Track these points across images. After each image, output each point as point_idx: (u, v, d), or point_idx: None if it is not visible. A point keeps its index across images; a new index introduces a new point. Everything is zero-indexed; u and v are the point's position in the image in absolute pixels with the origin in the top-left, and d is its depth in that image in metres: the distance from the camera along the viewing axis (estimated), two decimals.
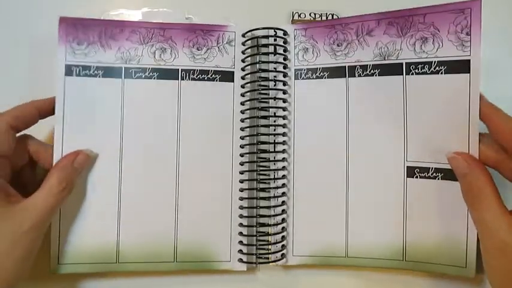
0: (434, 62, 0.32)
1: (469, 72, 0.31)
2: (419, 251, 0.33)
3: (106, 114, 0.34)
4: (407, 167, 0.33)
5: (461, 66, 0.31)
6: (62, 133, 0.34)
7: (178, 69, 0.35)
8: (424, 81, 0.32)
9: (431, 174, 0.33)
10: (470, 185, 0.29)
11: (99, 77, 0.34)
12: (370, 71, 0.34)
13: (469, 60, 0.31)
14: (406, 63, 0.33)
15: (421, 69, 0.32)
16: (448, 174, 0.32)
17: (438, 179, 0.33)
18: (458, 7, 0.31)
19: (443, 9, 0.31)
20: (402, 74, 0.33)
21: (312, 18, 0.38)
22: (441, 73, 0.31)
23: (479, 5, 0.30)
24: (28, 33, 0.38)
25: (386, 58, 0.33)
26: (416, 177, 0.33)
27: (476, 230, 0.30)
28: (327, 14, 0.38)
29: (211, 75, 0.36)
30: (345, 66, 0.35)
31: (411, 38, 0.33)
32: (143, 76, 0.35)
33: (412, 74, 0.33)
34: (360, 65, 0.34)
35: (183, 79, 0.35)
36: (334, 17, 0.38)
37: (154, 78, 0.35)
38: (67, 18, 0.35)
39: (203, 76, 0.35)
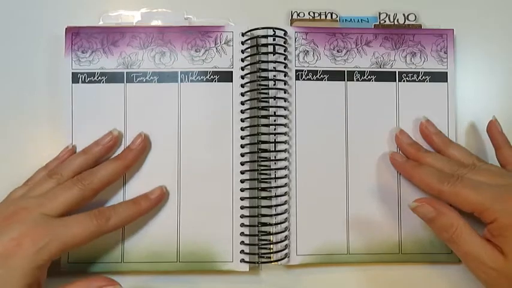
0: (421, 72, 0.42)
1: (446, 81, 0.42)
2: (413, 243, 0.40)
3: (110, 119, 0.40)
4: None
5: (441, 77, 0.42)
6: (71, 140, 0.40)
7: (177, 72, 0.40)
8: (413, 88, 0.42)
9: None
10: (443, 225, 0.35)
11: (103, 82, 0.40)
12: (367, 77, 0.41)
13: (446, 72, 0.42)
14: (398, 72, 0.42)
15: (410, 78, 0.42)
16: None
17: None
18: (438, 32, 0.42)
19: (428, 32, 0.42)
20: (395, 81, 0.41)
21: (311, 18, 0.43)
22: (426, 81, 0.42)
23: (452, 32, 0.42)
24: (27, 33, 0.42)
25: (382, 66, 0.41)
26: None
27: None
28: (325, 13, 0.43)
29: (209, 76, 0.40)
30: (344, 71, 0.41)
31: (403, 52, 0.42)
32: (144, 80, 0.40)
33: (404, 81, 0.42)
34: (358, 71, 0.41)
35: (183, 81, 0.40)
36: (333, 16, 0.43)
37: (154, 82, 0.40)
38: (72, 28, 0.40)
39: (202, 77, 0.40)
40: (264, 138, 0.40)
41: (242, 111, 0.40)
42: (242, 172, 0.40)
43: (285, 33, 0.41)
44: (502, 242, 0.34)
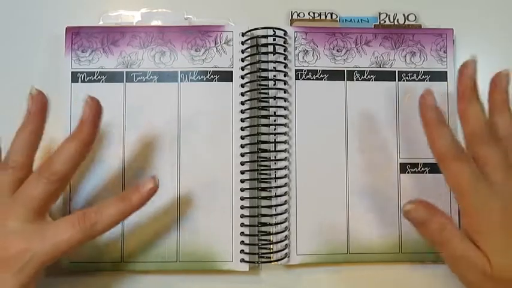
0: (421, 71, 0.42)
1: (446, 80, 0.42)
2: (413, 242, 0.40)
3: (109, 118, 0.39)
4: (400, 163, 0.41)
5: (441, 76, 0.42)
6: None
7: (177, 72, 0.41)
8: (412, 87, 0.42)
9: (420, 169, 0.41)
10: (436, 228, 0.34)
11: (103, 82, 0.40)
12: (367, 76, 0.42)
13: (446, 71, 0.42)
14: (398, 71, 0.42)
15: (410, 77, 0.42)
16: (434, 168, 0.41)
17: (426, 172, 0.41)
18: (438, 32, 0.43)
19: (427, 32, 0.43)
20: (395, 81, 0.42)
21: (311, 18, 0.43)
22: (426, 81, 0.42)
23: (452, 32, 0.43)
24: (27, 33, 0.42)
25: (381, 66, 0.42)
26: (408, 172, 0.41)
27: None
28: (325, 13, 0.43)
29: (209, 76, 0.41)
30: (344, 70, 0.41)
31: (403, 51, 0.42)
32: (144, 80, 0.40)
33: (403, 80, 0.42)
34: (357, 70, 0.42)
35: (183, 81, 0.41)
36: (333, 16, 0.43)
37: (154, 81, 0.41)
38: (72, 27, 0.40)
39: (202, 77, 0.41)
40: (264, 138, 0.40)
41: (242, 111, 0.40)
42: (242, 172, 0.40)
43: (285, 33, 0.41)
44: (480, 240, 0.33)
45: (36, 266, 0.31)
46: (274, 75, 0.41)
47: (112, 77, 0.41)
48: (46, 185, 0.32)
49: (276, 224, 0.40)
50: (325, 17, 0.43)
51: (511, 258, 0.33)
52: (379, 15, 0.43)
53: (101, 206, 0.34)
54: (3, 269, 0.31)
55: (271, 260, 0.40)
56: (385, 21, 0.43)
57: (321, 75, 0.41)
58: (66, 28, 0.41)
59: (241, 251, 0.39)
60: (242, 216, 0.40)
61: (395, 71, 0.42)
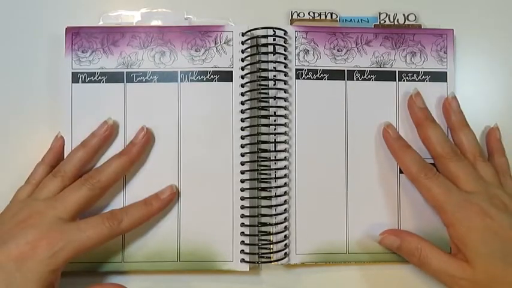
0: (421, 72, 0.42)
1: (446, 81, 0.42)
2: None
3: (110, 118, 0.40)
4: None
5: (441, 76, 0.42)
6: (71, 139, 0.40)
7: (177, 72, 0.41)
8: (413, 87, 0.42)
9: None
10: (410, 250, 0.38)
11: (103, 82, 0.40)
12: (367, 76, 0.42)
13: (446, 72, 0.42)
14: (398, 71, 0.42)
15: (410, 77, 0.42)
16: None
17: None
18: (438, 32, 0.43)
19: (428, 32, 0.43)
20: (395, 80, 0.42)
21: (311, 18, 0.43)
22: (426, 81, 0.42)
23: (452, 32, 0.43)
24: (27, 33, 0.43)
25: (382, 66, 0.42)
26: None
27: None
28: (325, 13, 0.43)
29: (209, 76, 0.41)
30: (344, 70, 0.42)
31: (403, 51, 0.42)
32: (144, 80, 0.40)
33: (404, 80, 0.42)
34: (358, 70, 0.42)
35: (182, 81, 0.41)
36: (333, 16, 0.43)
37: (154, 81, 0.41)
38: (72, 28, 0.40)
39: (202, 77, 0.41)
40: (264, 138, 0.40)
41: (242, 111, 0.40)
42: (242, 172, 0.40)
43: (285, 33, 0.41)
44: (464, 250, 0.36)
45: (66, 255, 0.35)
46: (274, 75, 0.41)
47: (112, 77, 0.41)
48: (88, 190, 0.37)
49: (276, 224, 0.40)
50: (325, 17, 0.43)
51: (495, 261, 0.35)
52: (379, 15, 0.44)
53: (127, 207, 0.39)
54: (37, 255, 0.34)
55: (271, 260, 0.40)
56: (385, 21, 0.43)
57: (322, 75, 0.41)
58: (66, 28, 0.41)
59: (242, 251, 0.40)
60: (242, 216, 0.40)
61: (395, 71, 0.42)
